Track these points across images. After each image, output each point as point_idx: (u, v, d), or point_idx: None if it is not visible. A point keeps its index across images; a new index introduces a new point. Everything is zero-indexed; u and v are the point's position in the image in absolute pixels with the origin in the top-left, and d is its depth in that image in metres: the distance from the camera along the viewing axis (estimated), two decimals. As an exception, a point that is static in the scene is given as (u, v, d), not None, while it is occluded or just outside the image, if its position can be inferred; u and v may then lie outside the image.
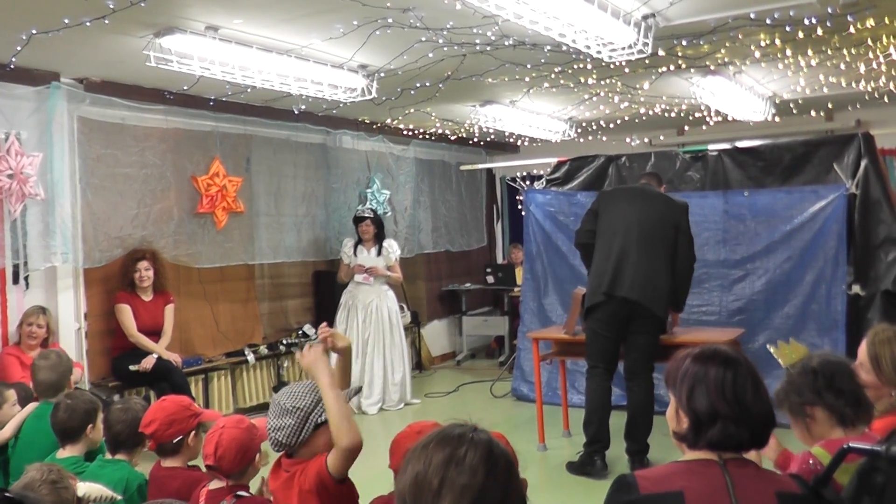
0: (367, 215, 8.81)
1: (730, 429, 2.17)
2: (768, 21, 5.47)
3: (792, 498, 2.15)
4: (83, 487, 2.87)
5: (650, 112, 9.10)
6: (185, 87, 6.90)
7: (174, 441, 3.52)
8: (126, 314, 6.96)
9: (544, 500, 5.63)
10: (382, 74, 6.63)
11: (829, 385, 2.74)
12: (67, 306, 6.70)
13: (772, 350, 2.98)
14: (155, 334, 7.12)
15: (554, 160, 9.20)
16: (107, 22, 4.90)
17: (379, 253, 8.77)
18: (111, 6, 4.66)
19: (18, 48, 5.48)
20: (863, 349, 3.17)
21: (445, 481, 1.69)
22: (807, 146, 7.79)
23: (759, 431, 2.23)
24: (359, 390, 3.17)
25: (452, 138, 10.89)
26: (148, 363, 6.82)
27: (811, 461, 2.60)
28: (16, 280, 6.28)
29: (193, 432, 3.57)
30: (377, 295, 8.78)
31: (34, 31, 5.17)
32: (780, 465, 3.01)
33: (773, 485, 2.17)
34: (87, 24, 4.95)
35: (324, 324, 3.18)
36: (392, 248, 8.90)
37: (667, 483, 2.15)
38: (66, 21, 4.94)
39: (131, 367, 6.84)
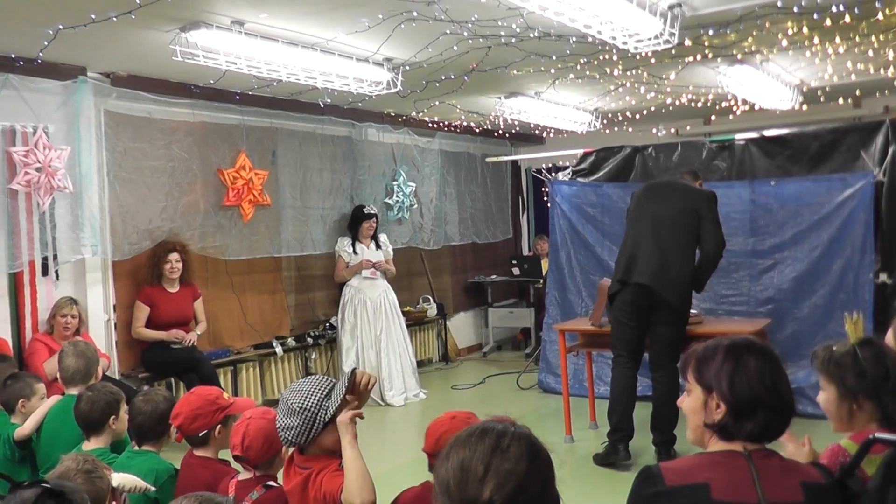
0: (374, 212, 8.93)
1: (768, 418, 2.19)
2: (795, 9, 5.42)
3: (817, 488, 2.14)
4: (117, 478, 2.89)
5: (676, 102, 9.06)
6: (212, 81, 6.95)
7: (199, 434, 3.55)
8: (141, 312, 7.03)
9: (572, 491, 5.60)
10: (407, 67, 6.64)
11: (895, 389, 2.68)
12: (96, 298, 6.76)
13: (848, 323, 2.89)
14: (183, 325, 7.21)
15: (579, 151, 9.19)
16: (133, 17, 4.94)
17: (377, 247, 8.88)
18: (137, 1, 4.70)
19: (46, 43, 5.53)
20: (889, 337, 3.14)
21: (491, 467, 1.73)
22: (834, 133, 7.73)
23: (788, 421, 2.25)
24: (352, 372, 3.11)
25: (477, 130, 10.89)
26: (185, 337, 7.05)
27: (841, 457, 2.57)
28: (45, 272, 6.34)
29: (220, 425, 3.59)
30: (383, 289, 8.89)
31: (61, 27, 5.22)
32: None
33: (798, 475, 2.16)
34: (114, 18, 4.99)
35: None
36: (387, 242, 9.11)
37: (692, 475, 2.15)
38: (93, 16, 4.98)
39: (173, 346, 7.01)
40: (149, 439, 3.75)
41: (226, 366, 7.68)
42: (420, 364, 9.73)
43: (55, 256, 6.37)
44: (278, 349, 8.22)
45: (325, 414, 2.86)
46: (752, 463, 2.15)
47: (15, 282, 6.20)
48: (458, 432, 1.85)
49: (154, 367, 7.03)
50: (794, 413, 2.26)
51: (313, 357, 8.73)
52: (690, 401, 2.30)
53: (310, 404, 2.85)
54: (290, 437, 2.89)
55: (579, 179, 8.94)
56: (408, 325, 9.32)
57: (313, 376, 3.01)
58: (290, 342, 8.46)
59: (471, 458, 1.75)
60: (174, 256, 7.11)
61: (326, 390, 2.90)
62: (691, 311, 6.35)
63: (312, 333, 8.76)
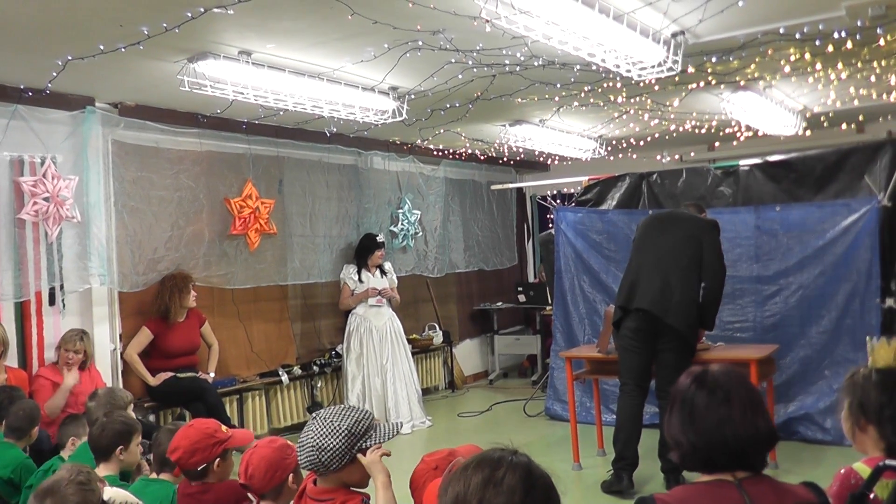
0: (382, 240, 8.97)
1: (701, 455, 2.18)
2: (798, 35, 5.46)
3: None
4: (109, 492, 2.88)
5: (680, 129, 9.09)
6: (219, 111, 6.99)
7: (198, 469, 3.54)
8: (143, 336, 7.04)
9: (579, 518, 5.61)
10: (413, 96, 6.68)
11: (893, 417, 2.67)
12: (103, 327, 6.76)
13: (869, 346, 2.87)
14: (191, 353, 7.26)
15: (584, 178, 9.19)
16: (141, 48, 4.98)
17: (383, 275, 8.91)
18: (146, 32, 4.74)
19: (54, 74, 5.57)
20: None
21: (484, 502, 1.72)
22: (838, 154, 7.69)
23: (760, 447, 2.21)
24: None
25: (482, 158, 10.93)
26: (159, 380, 7.00)
27: (853, 480, 2.57)
28: (52, 302, 6.35)
29: (219, 459, 3.57)
30: (389, 317, 8.90)
31: (70, 57, 5.26)
32: None
33: (791, 497, 2.17)
34: (122, 49, 5.03)
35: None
36: (392, 270, 9.17)
37: None
38: (102, 47, 5.03)
39: (180, 375, 7.02)
40: (168, 467, 3.77)
41: (232, 395, 7.67)
42: (426, 392, 9.71)
43: (62, 286, 6.38)
44: (284, 378, 8.22)
45: (365, 444, 2.87)
46: (743, 491, 2.14)
47: (21, 312, 6.21)
48: (458, 465, 1.84)
49: (160, 397, 7.02)
50: (777, 438, 2.25)
51: (319, 386, 8.72)
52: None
53: (358, 430, 2.86)
54: (323, 459, 2.82)
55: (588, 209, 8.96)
56: (413, 353, 9.32)
57: (355, 406, 3.03)
58: (296, 371, 8.45)
59: (465, 492, 1.75)
60: (193, 289, 7.22)
61: (370, 423, 2.92)
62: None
63: (318, 362, 8.75)
